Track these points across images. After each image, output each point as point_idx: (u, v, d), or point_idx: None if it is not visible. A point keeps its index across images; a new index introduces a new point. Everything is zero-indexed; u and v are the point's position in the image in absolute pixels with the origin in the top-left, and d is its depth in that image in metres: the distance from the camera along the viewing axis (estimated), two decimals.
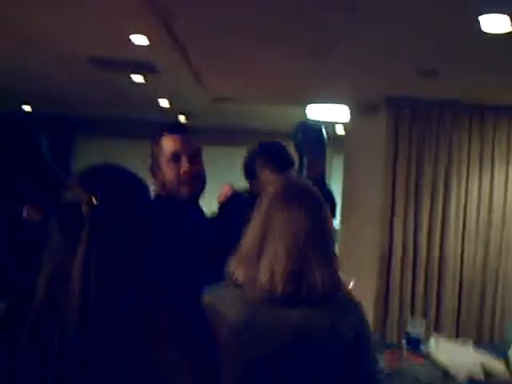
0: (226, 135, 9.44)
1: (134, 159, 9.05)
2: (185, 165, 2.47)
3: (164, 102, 7.85)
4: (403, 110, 5.58)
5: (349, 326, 1.78)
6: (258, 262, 1.78)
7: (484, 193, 5.62)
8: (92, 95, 7.62)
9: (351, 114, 6.23)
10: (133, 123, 9.15)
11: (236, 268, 1.82)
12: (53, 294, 1.29)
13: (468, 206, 5.62)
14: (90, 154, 8.40)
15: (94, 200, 1.29)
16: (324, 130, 6.78)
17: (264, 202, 1.86)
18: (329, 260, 1.82)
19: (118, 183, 1.38)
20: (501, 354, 3.30)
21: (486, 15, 3.25)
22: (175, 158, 2.48)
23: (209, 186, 2.59)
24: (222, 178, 9.55)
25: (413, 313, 5.41)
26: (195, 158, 2.52)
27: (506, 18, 3.26)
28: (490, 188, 5.63)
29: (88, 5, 4.01)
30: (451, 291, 5.58)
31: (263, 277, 1.76)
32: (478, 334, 5.54)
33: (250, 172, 3.08)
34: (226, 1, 3.35)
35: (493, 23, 3.33)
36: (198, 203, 2.59)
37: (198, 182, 2.52)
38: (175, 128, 2.59)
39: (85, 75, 6.25)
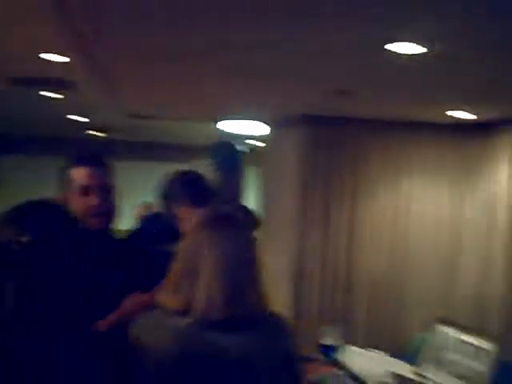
0: (145, 150, 9.40)
1: (51, 176, 8.88)
2: (94, 199, 2.44)
3: (82, 118, 7.75)
4: (318, 127, 5.77)
5: (282, 346, 1.87)
6: (191, 290, 1.81)
7: (389, 205, 5.86)
8: (4, 112, 7.44)
9: (268, 129, 6.35)
10: (48, 140, 8.98)
11: (166, 297, 1.84)
12: None
13: (375, 219, 5.86)
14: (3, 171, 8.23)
15: (23, 239, 1.31)
16: (240, 148, 6.87)
17: (192, 232, 1.90)
18: (258, 283, 1.89)
19: (45, 221, 1.40)
20: (409, 361, 3.45)
21: (392, 44, 3.42)
22: (84, 190, 2.45)
23: (127, 201, 2.58)
24: (141, 193, 9.55)
25: (324, 324, 5.55)
26: (105, 193, 2.48)
27: (412, 44, 3.42)
28: (396, 201, 5.88)
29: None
30: (361, 302, 5.80)
31: (197, 304, 1.79)
32: (387, 343, 5.73)
33: (167, 197, 3.10)
34: (147, 23, 3.35)
35: (400, 48, 3.50)
36: (108, 233, 2.55)
37: (105, 218, 2.49)
38: (88, 160, 2.54)
39: None
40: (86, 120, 7.84)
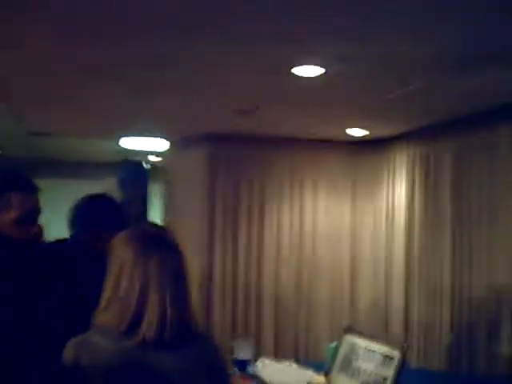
0: (41, 168, 9.13)
1: None
2: (29, 228, 2.47)
3: None
4: (220, 145, 5.88)
5: (209, 362, 1.88)
6: (127, 310, 1.80)
7: (295, 219, 6.04)
8: None
9: (171, 146, 6.36)
10: None
11: (102, 317, 1.83)
12: None
13: (280, 233, 6.02)
14: None
15: None
16: (146, 165, 6.84)
17: (120, 253, 1.89)
18: (188, 300, 1.90)
19: None
20: (320, 369, 3.55)
21: (297, 67, 3.54)
22: (22, 219, 2.43)
23: None
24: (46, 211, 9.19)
25: (234, 337, 5.61)
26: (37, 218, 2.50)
27: (317, 67, 3.57)
28: (300, 215, 6.05)
29: None
30: (269, 313, 5.91)
31: (141, 323, 1.79)
32: (295, 353, 5.88)
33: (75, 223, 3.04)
34: (52, 37, 3.29)
35: (305, 71, 3.63)
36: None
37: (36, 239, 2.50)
38: (25, 185, 2.51)
39: None
40: None
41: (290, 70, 3.63)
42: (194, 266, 5.77)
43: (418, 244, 5.36)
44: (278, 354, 5.70)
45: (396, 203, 5.71)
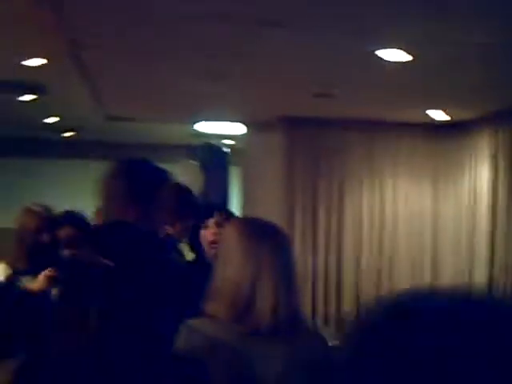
0: (116, 150, 9.30)
1: (20, 177, 8.73)
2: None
3: (52, 119, 7.65)
4: (298, 128, 5.79)
5: (319, 356, 1.82)
6: (238, 297, 1.78)
7: (375, 205, 5.93)
8: None
9: (248, 130, 6.35)
10: (20, 141, 8.85)
11: (212, 305, 1.80)
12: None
13: (362, 218, 5.92)
14: None
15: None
16: (225, 149, 6.85)
17: (232, 241, 1.87)
18: (298, 291, 1.88)
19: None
20: None
21: (382, 50, 3.46)
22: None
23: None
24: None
25: (315, 324, 5.61)
26: None
27: (401, 51, 3.48)
28: (380, 200, 5.93)
29: None
30: (349, 300, 5.84)
31: (252, 314, 1.75)
32: None
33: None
34: (136, 31, 3.35)
35: (388, 55, 3.55)
36: None
37: None
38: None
39: None
40: (56, 120, 7.73)
41: (375, 54, 3.56)
42: None
43: (501, 231, 5.19)
44: None
45: (478, 189, 5.54)
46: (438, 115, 5.42)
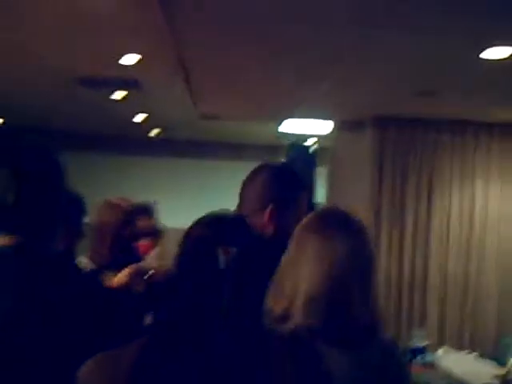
0: (202, 148, 9.44)
1: (107, 173, 8.96)
2: None
3: (139, 117, 7.82)
4: (389, 128, 5.73)
5: (391, 374, 1.64)
6: (281, 293, 1.65)
7: (465, 208, 5.78)
8: (63, 108, 7.53)
9: (336, 129, 6.30)
10: (109, 138, 9.10)
11: (272, 303, 1.63)
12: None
13: (451, 221, 5.79)
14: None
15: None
16: (313, 148, 6.83)
17: (297, 232, 1.77)
18: (369, 292, 1.67)
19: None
20: (498, 362, 3.41)
21: (490, 48, 3.37)
22: None
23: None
24: (194, 190, 9.57)
25: (400, 327, 5.53)
26: None
27: (509, 48, 3.38)
28: (471, 203, 5.79)
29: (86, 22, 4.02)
30: (434, 303, 5.74)
31: (299, 310, 1.61)
32: (459, 344, 5.67)
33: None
34: (238, 30, 3.39)
35: (493, 52, 3.46)
36: None
37: None
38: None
39: (65, 90, 6.20)
40: (145, 117, 7.88)
41: (482, 56, 3.48)
42: None
43: None
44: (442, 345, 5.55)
45: None
46: None
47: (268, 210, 2.05)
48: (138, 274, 2.66)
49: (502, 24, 3.06)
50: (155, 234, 4.56)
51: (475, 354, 3.62)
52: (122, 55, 4.82)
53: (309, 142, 7.63)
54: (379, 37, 3.35)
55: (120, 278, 2.65)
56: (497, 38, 3.30)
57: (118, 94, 6.31)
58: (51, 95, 6.72)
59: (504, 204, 5.82)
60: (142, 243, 4.06)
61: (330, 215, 1.79)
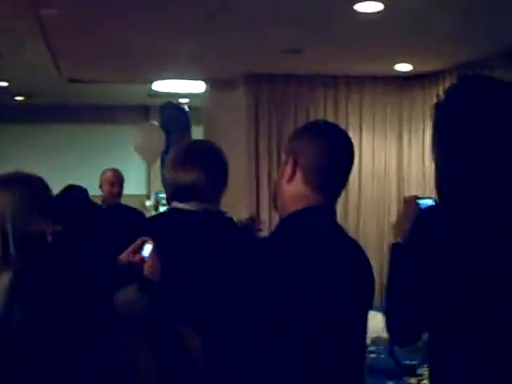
0: (68, 113, 9.03)
1: None
2: None
3: (3, 83, 7.35)
4: (262, 85, 5.74)
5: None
6: None
7: None
8: None
9: (209, 88, 6.21)
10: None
11: None
12: None
13: None
14: None
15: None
16: (187, 108, 6.69)
17: None
18: None
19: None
20: None
21: (360, 3, 3.40)
22: None
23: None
24: (65, 155, 9.19)
25: None
26: None
27: (377, 3, 3.43)
28: None
29: None
30: None
31: None
32: None
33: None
34: None
35: (365, 7, 3.50)
36: None
37: None
38: None
39: None
40: (5, 85, 7.43)
41: (352, 8, 3.50)
42: (242, 210, 5.70)
43: None
44: None
45: None
46: (404, 67, 5.39)
47: None
48: None
49: None
50: None
51: None
52: None
53: (182, 102, 7.49)
54: None
55: None
56: None
57: None
58: None
59: (378, 153, 6.01)
60: None
61: None
